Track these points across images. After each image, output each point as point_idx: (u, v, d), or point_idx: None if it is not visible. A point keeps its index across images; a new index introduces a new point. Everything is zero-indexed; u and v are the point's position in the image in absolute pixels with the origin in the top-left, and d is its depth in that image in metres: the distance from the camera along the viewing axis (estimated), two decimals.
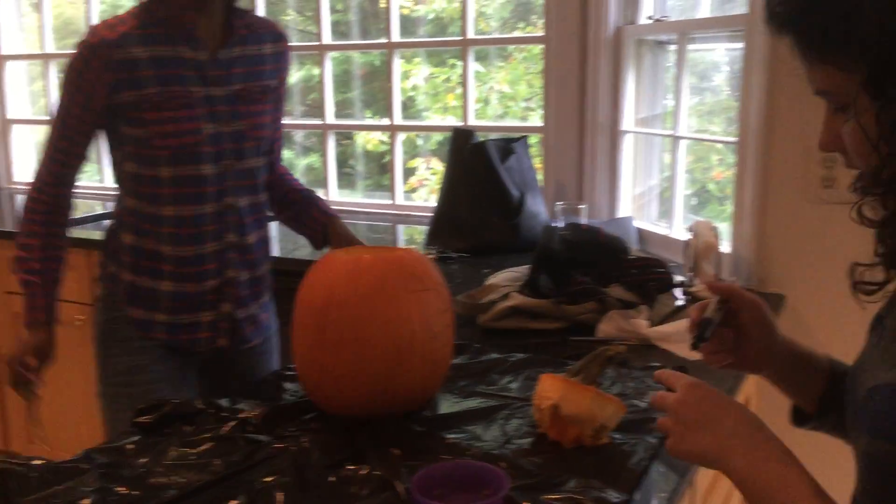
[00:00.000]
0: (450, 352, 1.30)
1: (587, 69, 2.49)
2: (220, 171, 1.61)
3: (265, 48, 1.67)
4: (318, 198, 1.86)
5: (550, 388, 1.20)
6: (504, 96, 4.94)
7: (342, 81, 4.47)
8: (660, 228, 2.44)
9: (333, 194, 3.18)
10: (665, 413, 0.90)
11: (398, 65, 2.95)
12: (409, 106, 4.44)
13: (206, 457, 1.15)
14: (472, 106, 2.81)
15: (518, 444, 1.19)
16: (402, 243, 2.72)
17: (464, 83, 2.81)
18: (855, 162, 0.78)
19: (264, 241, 1.75)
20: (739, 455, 0.82)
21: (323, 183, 3.19)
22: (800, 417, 1.06)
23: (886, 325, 0.82)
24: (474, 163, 2.32)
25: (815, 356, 1.03)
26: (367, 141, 4.89)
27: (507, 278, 1.87)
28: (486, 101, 4.90)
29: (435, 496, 1.02)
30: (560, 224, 2.22)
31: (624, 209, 2.56)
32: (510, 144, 2.41)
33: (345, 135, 4.29)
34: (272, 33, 1.70)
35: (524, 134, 2.56)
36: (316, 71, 4.79)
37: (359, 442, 1.18)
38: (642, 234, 2.43)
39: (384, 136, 4.63)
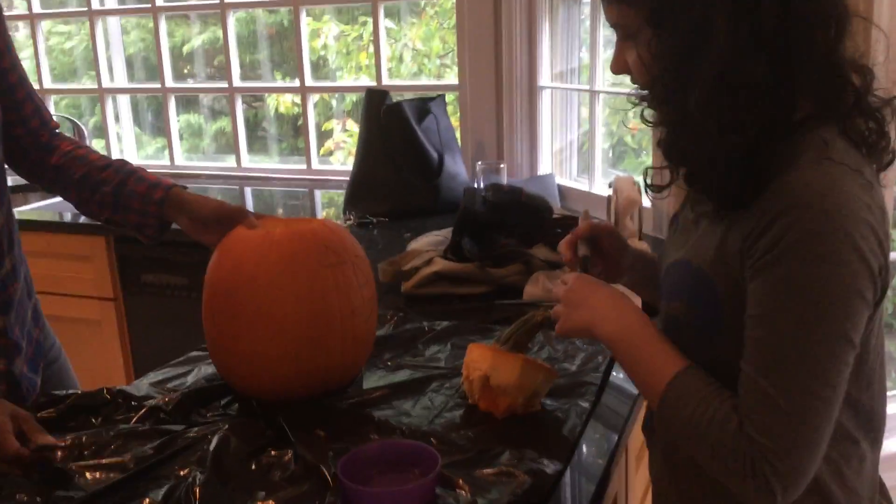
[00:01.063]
0: (373, 327, 1.24)
1: (501, 24, 2.43)
2: None
3: None
4: (138, 168, 1.38)
5: (479, 359, 1.16)
6: (418, 53, 4.84)
7: (249, 42, 4.29)
8: (581, 185, 2.42)
9: (245, 160, 3.05)
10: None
11: (305, 23, 2.83)
12: (320, 66, 4.30)
13: (117, 452, 1.07)
14: (385, 64, 2.72)
15: (448, 417, 1.15)
16: (319, 209, 2.63)
17: (375, 41, 2.71)
18: (637, 80, 0.95)
19: (14, 263, 1.34)
20: (610, 322, 0.99)
21: (232, 149, 3.06)
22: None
23: (679, 220, 1.05)
24: (390, 124, 2.24)
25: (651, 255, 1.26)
26: (280, 103, 4.73)
27: (429, 242, 1.81)
28: (400, 59, 4.79)
29: (364, 479, 0.97)
30: (481, 184, 2.17)
31: (544, 166, 2.53)
32: (427, 104, 2.33)
33: (256, 97, 4.12)
34: None
35: (440, 93, 2.48)
36: (220, 33, 4.60)
37: (280, 425, 1.12)
38: (564, 191, 2.40)
39: (297, 98, 4.48)
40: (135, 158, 3.31)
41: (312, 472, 1.00)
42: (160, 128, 3.57)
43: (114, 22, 3.23)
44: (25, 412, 1.08)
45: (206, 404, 1.20)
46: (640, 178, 2.05)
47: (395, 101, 2.30)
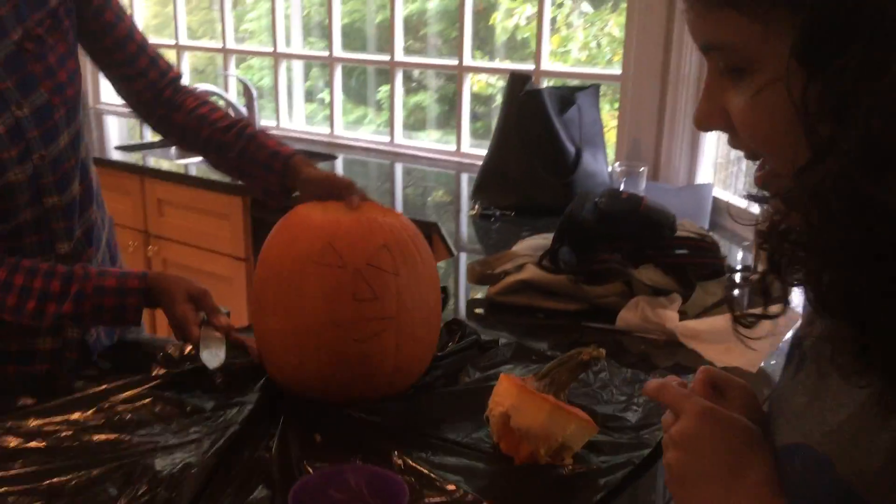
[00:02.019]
0: (369, 349, 1.03)
1: (675, 8, 2.17)
2: (31, 172, 1.14)
3: None
4: (259, 133, 1.33)
5: (504, 393, 0.98)
6: (614, 40, 4.57)
7: (450, 20, 4.22)
8: (743, 201, 2.12)
9: (399, 136, 2.99)
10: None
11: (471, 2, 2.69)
12: (521, 46, 4.16)
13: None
14: (546, 47, 2.53)
15: (463, 451, 0.99)
16: (463, 193, 2.49)
17: (538, 21, 2.53)
18: (751, 145, 0.56)
19: (90, 227, 1.28)
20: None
21: (423, 125, 3.00)
22: None
23: (804, 350, 0.64)
24: (527, 112, 2.06)
25: None
26: (475, 82, 4.65)
27: (532, 246, 1.63)
28: (598, 45, 4.55)
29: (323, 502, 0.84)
30: (621, 186, 1.95)
31: (704, 175, 2.25)
32: (573, 94, 2.13)
33: (450, 76, 4.05)
34: None
35: (595, 82, 2.26)
36: (429, 5, 4.58)
37: (285, 421, 1.02)
38: (720, 206, 2.11)
39: (491, 79, 4.36)
40: (302, 124, 3.35)
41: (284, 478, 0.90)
42: (362, 96, 3.60)
43: None
44: (202, 289, 1.21)
45: (252, 380, 1.13)
46: None
47: (535, 88, 2.12)
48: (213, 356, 1.12)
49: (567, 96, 2.11)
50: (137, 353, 1.19)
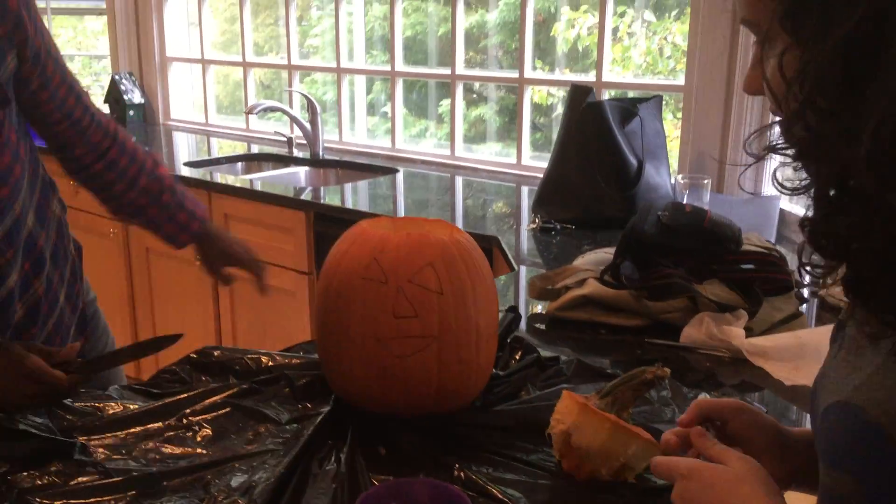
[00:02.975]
0: (409, 366, 1.03)
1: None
2: None
3: None
4: (173, 193, 1.40)
5: (565, 411, 0.98)
6: (677, 49, 4.51)
7: (512, 30, 4.23)
8: None
9: (459, 149, 3.00)
10: None
11: (531, 10, 2.69)
12: (583, 56, 4.15)
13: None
14: (608, 56, 2.52)
15: (523, 468, 0.99)
16: (520, 207, 2.49)
17: (600, 32, 2.52)
18: (777, 110, 0.63)
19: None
20: None
21: (483, 138, 3.02)
22: None
23: (847, 333, 0.68)
24: (588, 124, 2.05)
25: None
26: (535, 93, 4.64)
27: (594, 260, 1.62)
28: (660, 53, 4.49)
29: None
30: (685, 199, 1.93)
31: (772, 187, 2.20)
32: (635, 105, 2.11)
33: (510, 88, 4.06)
34: None
35: (657, 93, 2.24)
36: (489, 17, 4.60)
37: (352, 433, 1.04)
38: (786, 218, 2.07)
39: (552, 90, 4.35)
40: (363, 138, 3.39)
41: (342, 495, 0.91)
42: (423, 109, 3.63)
43: (359, 4, 3.31)
44: (32, 346, 1.10)
45: (312, 398, 1.15)
46: None
47: (596, 99, 2.11)
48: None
49: (628, 108, 2.10)
50: (215, 364, 1.22)
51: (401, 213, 2.43)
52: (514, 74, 2.80)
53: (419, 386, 1.05)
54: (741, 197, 2.19)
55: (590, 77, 2.61)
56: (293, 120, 3.14)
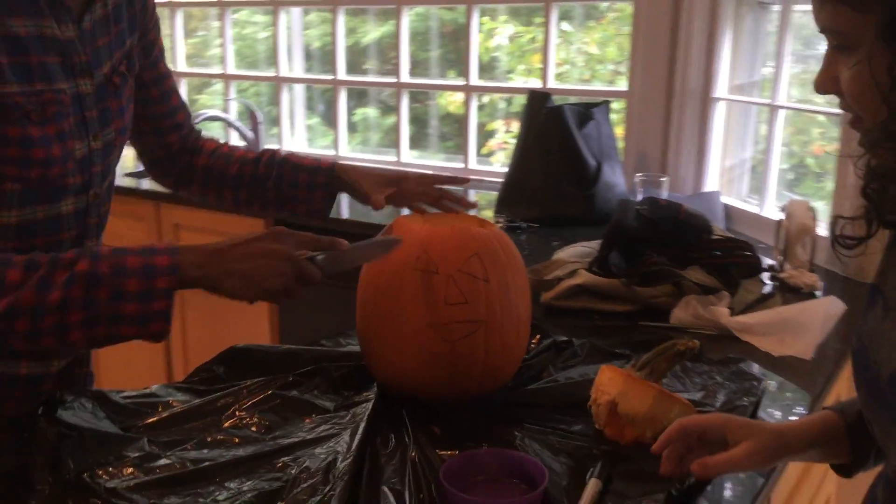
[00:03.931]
0: (459, 350, 1.11)
1: (679, 30, 2.30)
2: (83, 206, 1.13)
3: None
4: (290, 156, 1.39)
5: (610, 382, 1.08)
6: (591, 58, 4.72)
7: (424, 39, 4.34)
8: (750, 206, 2.25)
9: (406, 156, 3.08)
10: None
11: (476, 22, 2.81)
12: (492, 67, 4.29)
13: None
14: (553, 68, 2.65)
15: (569, 437, 1.08)
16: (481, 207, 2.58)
17: (545, 42, 2.65)
18: (853, 107, 0.73)
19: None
20: None
21: (396, 142, 3.10)
22: (840, 469, 0.95)
23: (888, 295, 0.79)
24: (549, 128, 2.17)
25: (819, 422, 0.92)
26: (450, 102, 4.76)
27: (576, 253, 1.73)
28: (572, 64, 4.70)
29: (467, 486, 0.93)
30: (638, 197, 2.06)
31: (711, 183, 2.38)
32: (589, 110, 2.25)
33: (425, 95, 4.16)
34: None
35: (606, 99, 2.39)
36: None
37: (402, 419, 1.10)
38: (730, 212, 2.24)
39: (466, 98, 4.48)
40: (304, 147, 3.42)
41: (419, 471, 0.98)
42: (333, 119, 3.67)
43: (297, 14, 3.34)
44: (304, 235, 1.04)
45: (354, 387, 1.21)
46: (817, 204, 1.87)
47: (556, 104, 2.23)
48: (380, 247, 1.10)
49: (584, 112, 2.22)
50: (248, 361, 1.26)
51: (346, 215, 2.48)
52: (460, 82, 2.89)
53: (467, 368, 1.12)
54: (685, 193, 2.35)
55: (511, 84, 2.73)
56: (236, 130, 3.14)
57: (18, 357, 1.10)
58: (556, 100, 2.31)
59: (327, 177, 1.35)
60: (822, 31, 0.73)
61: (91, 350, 0.93)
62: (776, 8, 2.23)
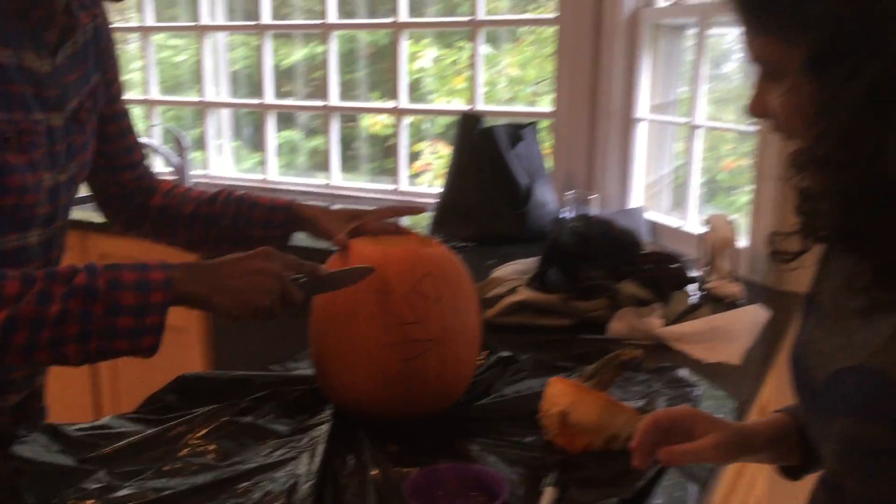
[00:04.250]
0: (413, 368, 1.14)
1: (601, 54, 2.40)
2: (48, 238, 1.15)
3: (83, 26, 1.16)
4: (246, 195, 1.39)
5: (560, 394, 1.12)
6: (513, 80, 4.84)
7: (347, 61, 4.37)
8: (672, 220, 2.36)
9: (337, 179, 3.09)
10: None
11: (405, 46, 2.86)
12: (415, 88, 4.36)
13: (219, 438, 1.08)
14: (481, 90, 2.72)
15: (522, 449, 1.12)
16: (416, 228, 2.62)
17: (473, 66, 2.72)
18: (783, 128, 0.79)
19: None
20: None
21: (326, 166, 3.11)
22: (789, 471, 1.01)
23: (821, 305, 0.85)
24: (482, 149, 2.23)
25: (774, 423, 0.98)
26: (373, 123, 4.80)
27: (514, 271, 1.78)
28: (493, 85, 4.80)
29: (430, 500, 0.95)
30: (570, 214, 2.13)
31: (636, 199, 2.48)
32: (519, 130, 2.32)
33: (349, 117, 4.19)
34: (81, 2, 1.16)
35: (534, 120, 2.46)
36: (319, 50, 4.69)
37: (359, 439, 1.12)
38: (654, 226, 2.34)
39: (390, 119, 4.53)
40: (232, 171, 3.40)
41: (381, 489, 1.00)
42: (259, 143, 3.66)
43: (221, 38, 3.33)
44: (289, 257, 1.08)
45: (308, 411, 1.22)
46: (734, 217, 1.98)
47: (488, 125, 2.29)
48: (351, 275, 1.12)
49: (514, 133, 2.29)
50: (200, 389, 1.26)
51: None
52: (390, 104, 2.93)
53: (422, 386, 1.15)
54: (611, 210, 2.44)
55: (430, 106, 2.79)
56: (161, 155, 3.10)
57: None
58: (487, 122, 2.37)
59: (285, 215, 1.36)
60: (755, 60, 0.79)
61: (79, 366, 0.95)
62: (691, 31, 2.35)
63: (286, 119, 4.03)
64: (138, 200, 1.38)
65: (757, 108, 0.81)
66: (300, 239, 1.42)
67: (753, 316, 1.53)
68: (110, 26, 1.26)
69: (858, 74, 0.68)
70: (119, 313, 0.94)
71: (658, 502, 1.01)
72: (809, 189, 0.77)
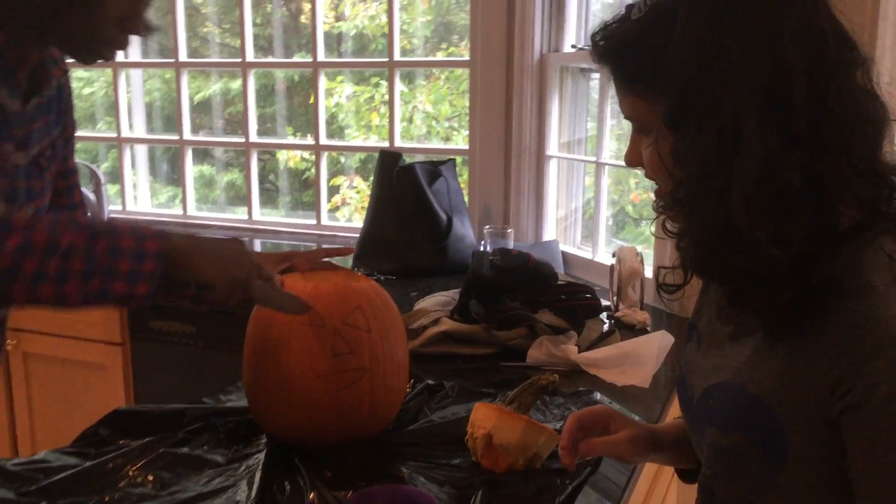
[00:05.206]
0: (347, 397, 1.20)
1: (513, 94, 2.52)
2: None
3: (54, 78, 1.23)
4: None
5: (484, 417, 1.20)
6: (427, 116, 4.96)
7: (261, 96, 4.41)
8: (584, 252, 2.48)
9: (256, 213, 3.12)
10: None
11: (323, 84, 2.92)
12: (330, 123, 4.43)
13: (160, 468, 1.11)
14: (398, 126, 2.81)
15: (450, 470, 1.18)
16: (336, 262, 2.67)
17: (390, 104, 2.80)
18: (652, 177, 0.89)
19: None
20: None
21: (245, 201, 3.13)
22: (685, 475, 1.12)
23: (701, 330, 0.96)
24: (402, 185, 2.31)
25: (677, 426, 1.08)
26: (290, 157, 4.83)
27: (436, 302, 1.86)
28: (409, 120, 4.91)
29: None
30: (488, 247, 2.23)
31: (549, 233, 2.60)
32: (437, 167, 2.41)
33: (266, 150, 4.21)
34: (53, 58, 1.21)
35: (451, 157, 2.56)
36: (233, 84, 4.71)
37: (295, 465, 1.17)
38: (567, 258, 2.46)
39: (307, 154, 4.58)
40: (148, 206, 3.38)
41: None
42: (175, 177, 3.65)
43: (136, 72, 3.33)
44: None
45: (242, 440, 1.26)
46: (642, 249, 2.11)
47: (407, 162, 2.38)
48: (295, 303, 1.17)
49: (433, 170, 2.38)
50: (133, 423, 1.28)
51: None
52: (309, 141, 2.98)
53: (354, 413, 1.21)
54: (527, 243, 2.55)
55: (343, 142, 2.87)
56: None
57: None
58: (405, 158, 2.46)
59: None
60: (626, 117, 0.89)
61: (75, 308, 0.98)
62: (595, 75, 2.50)
63: (201, 153, 4.03)
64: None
65: (631, 159, 0.91)
66: None
67: (660, 341, 1.64)
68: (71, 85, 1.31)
69: (705, 130, 0.78)
70: (119, 255, 0.98)
71: None
72: (673, 229, 0.88)
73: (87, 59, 1.17)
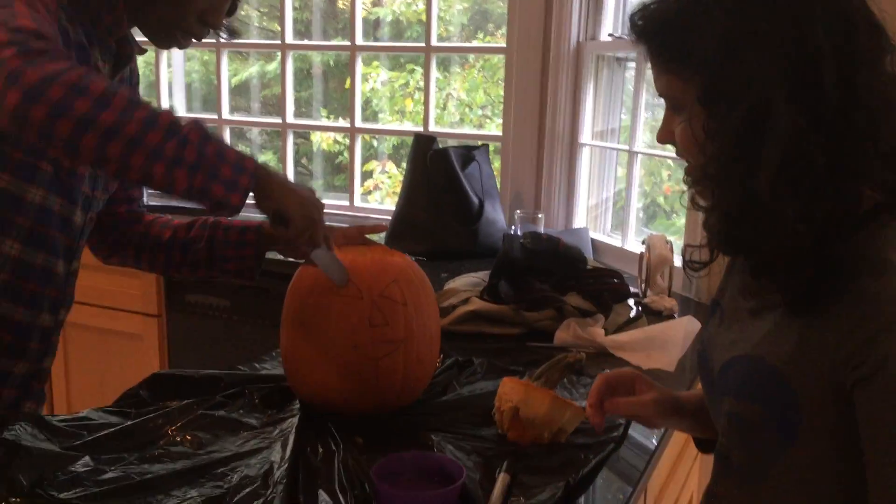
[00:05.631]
0: (381, 367, 1.24)
1: (548, 81, 2.54)
2: (66, 272, 1.29)
3: (134, 59, 1.33)
4: (220, 219, 1.43)
5: (512, 391, 1.23)
6: (461, 103, 4.99)
7: (297, 79, 4.46)
8: (613, 240, 2.50)
9: None
10: None
11: (359, 68, 2.96)
12: (364, 108, 4.47)
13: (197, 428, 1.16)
14: (433, 112, 2.84)
15: (479, 441, 1.22)
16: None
17: (426, 89, 2.83)
18: (684, 154, 0.92)
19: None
20: None
21: None
22: (703, 444, 1.15)
23: (723, 306, 1.00)
24: (435, 169, 2.34)
25: (698, 395, 1.10)
26: (323, 140, 4.89)
27: (466, 283, 1.89)
28: (443, 107, 4.94)
29: (394, 484, 1.05)
30: (518, 232, 2.26)
31: (580, 220, 2.62)
32: (471, 152, 2.44)
33: (300, 133, 4.26)
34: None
35: (484, 142, 2.59)
36: (269, 66, 4.77)
37: (329, 430, 1.21)
38: (597, 245, 2.48)
39: (340, 137, 4.63)
40: None
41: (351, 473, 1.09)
42: None
43: (177, 53, 3.39)
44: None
45: (276, 406, 1.30)
46: (672, 238, 2.12)
47: (441, 147, 2.41)
48: (340, 271, 1.23)
49: (466, 154, 2.41)
50: (172, 386, 1.33)
51: None
52: (343, 123, 3.02)
53: (387, 384, 1.25)
54: (557, 229, 2.57)
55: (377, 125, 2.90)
56: None
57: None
58: (439, 142, 2.49)
59: (256, 234, 1.40)
60: (660, 95, 0.92)
61: (177, 195, 1.02)
62: (631, 64, 2.50)
63: (236, 135, 4.09)
64: (121, 229, 1.45)
65: (663, 136, 0.94)
66: (271, 256, 1.48)
67: (686, 327, 1.66)
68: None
69: (736, 108, 0.81)
70: (224, 161, 1.03)
71: (600, 482, 1.13)
72: (700, 202, 0.90)
73: (163, 44, 1.24)
